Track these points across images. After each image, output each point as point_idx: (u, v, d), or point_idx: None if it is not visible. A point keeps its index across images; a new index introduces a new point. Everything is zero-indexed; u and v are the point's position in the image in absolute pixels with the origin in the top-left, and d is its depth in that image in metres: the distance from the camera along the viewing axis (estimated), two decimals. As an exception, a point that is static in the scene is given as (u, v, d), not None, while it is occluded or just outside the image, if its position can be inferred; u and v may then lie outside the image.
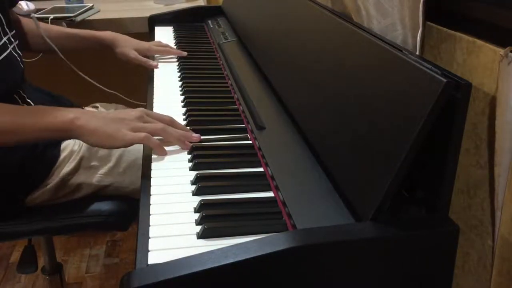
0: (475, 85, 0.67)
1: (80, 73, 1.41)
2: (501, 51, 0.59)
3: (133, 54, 1.31)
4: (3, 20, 1.09)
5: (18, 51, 1.14)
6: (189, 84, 1.17)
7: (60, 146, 1.09)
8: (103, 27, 1.49)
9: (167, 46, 1.39)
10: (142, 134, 0.84)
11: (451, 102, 0.58)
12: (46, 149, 1.07)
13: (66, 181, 1.07)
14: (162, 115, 0.91)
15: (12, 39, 1.12)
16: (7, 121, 0.88)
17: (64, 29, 1.39)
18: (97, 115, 0.89)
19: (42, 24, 1.33)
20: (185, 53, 1.36)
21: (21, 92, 1.12)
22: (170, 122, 0.90)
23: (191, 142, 0.88)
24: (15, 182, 1.04)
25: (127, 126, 0.86)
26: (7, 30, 1.10)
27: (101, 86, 1.45)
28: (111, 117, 0.88)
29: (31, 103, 1.12)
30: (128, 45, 1.32)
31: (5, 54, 1.07)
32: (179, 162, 0.83)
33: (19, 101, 1.11)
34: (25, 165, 1.04)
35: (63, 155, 1.08)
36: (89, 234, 1.97)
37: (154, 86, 1.17)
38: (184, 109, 1.03)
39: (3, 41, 1.07)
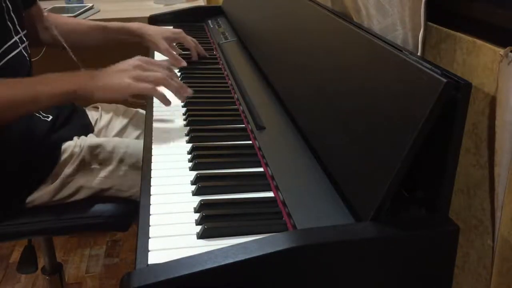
0: (475, 85, 0.67)
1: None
2: (501, 51, 0.59)
3: (163, 46, 1.29)
4: (15, 20, 1.09)
5: (29, 51, 1.15)
6: (189, 84, 1.16)
7: (60, 147, 1.09)
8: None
9: (195, 43, 1.36)
10: (150, 86, 0.89)
11: (451, 102, 0.58)
12: (46, 150, 1.07)
13: (66, 183, 1.07)
14: (160, 61, 0.94)
15: (24, 38, 1.12)
16: (17, 93, 0.92)
17: (93, 23, 1.38)
18: (97, 74, 0.92)
19: (71, 19, 1.33)
20: (202, 54, 1.35)
21: None
22: (168, 70, 0.94)
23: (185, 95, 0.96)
24: (15, 183, 1.04)
25: (129, 75, 0.89)
26: (19, 29, 1.11)
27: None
28: (111, 71, 0.91)
29: None
30: (158, 34, 1.31)
31: (15, 52, 1.07)
32: (179, 162, 0.83)
33: None
34: (25, 165, 1.04)
35: (63, 156, 1.08)
36: (89, 234, 1.97)
37: (154, 86, 1.17)
38: (184, 109, 1.03)
39: (14, 39, 1.08)
